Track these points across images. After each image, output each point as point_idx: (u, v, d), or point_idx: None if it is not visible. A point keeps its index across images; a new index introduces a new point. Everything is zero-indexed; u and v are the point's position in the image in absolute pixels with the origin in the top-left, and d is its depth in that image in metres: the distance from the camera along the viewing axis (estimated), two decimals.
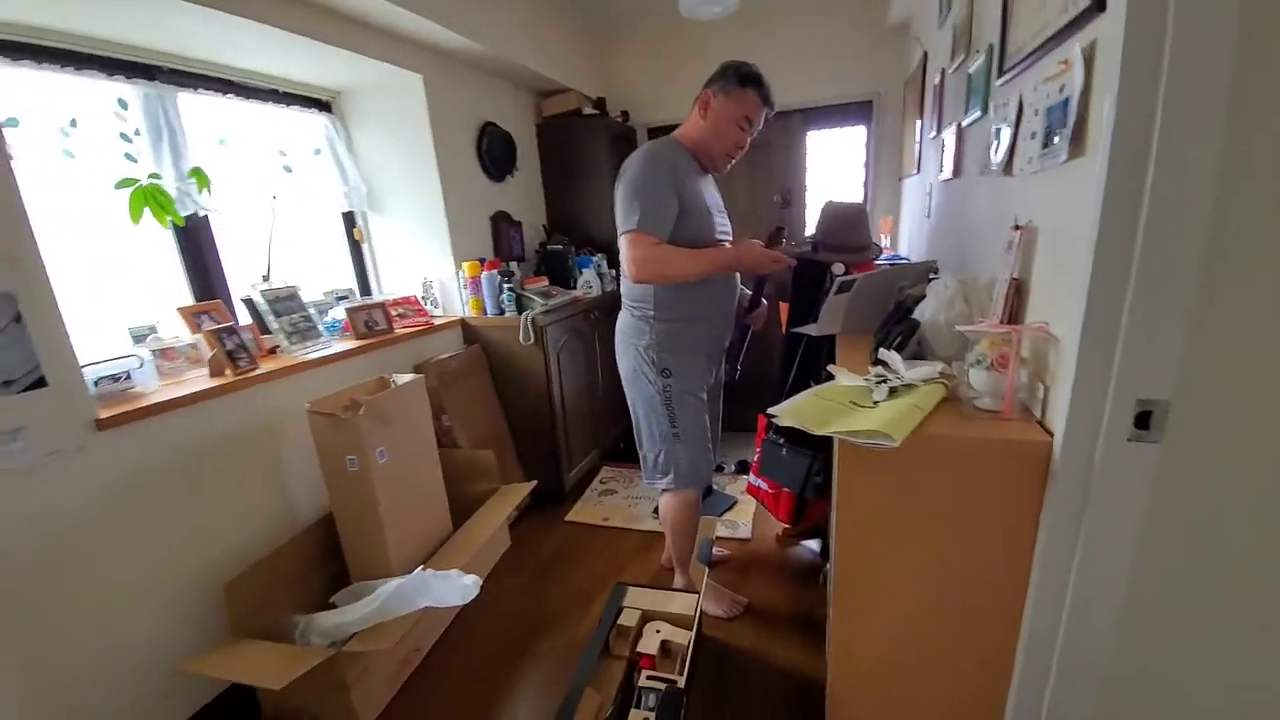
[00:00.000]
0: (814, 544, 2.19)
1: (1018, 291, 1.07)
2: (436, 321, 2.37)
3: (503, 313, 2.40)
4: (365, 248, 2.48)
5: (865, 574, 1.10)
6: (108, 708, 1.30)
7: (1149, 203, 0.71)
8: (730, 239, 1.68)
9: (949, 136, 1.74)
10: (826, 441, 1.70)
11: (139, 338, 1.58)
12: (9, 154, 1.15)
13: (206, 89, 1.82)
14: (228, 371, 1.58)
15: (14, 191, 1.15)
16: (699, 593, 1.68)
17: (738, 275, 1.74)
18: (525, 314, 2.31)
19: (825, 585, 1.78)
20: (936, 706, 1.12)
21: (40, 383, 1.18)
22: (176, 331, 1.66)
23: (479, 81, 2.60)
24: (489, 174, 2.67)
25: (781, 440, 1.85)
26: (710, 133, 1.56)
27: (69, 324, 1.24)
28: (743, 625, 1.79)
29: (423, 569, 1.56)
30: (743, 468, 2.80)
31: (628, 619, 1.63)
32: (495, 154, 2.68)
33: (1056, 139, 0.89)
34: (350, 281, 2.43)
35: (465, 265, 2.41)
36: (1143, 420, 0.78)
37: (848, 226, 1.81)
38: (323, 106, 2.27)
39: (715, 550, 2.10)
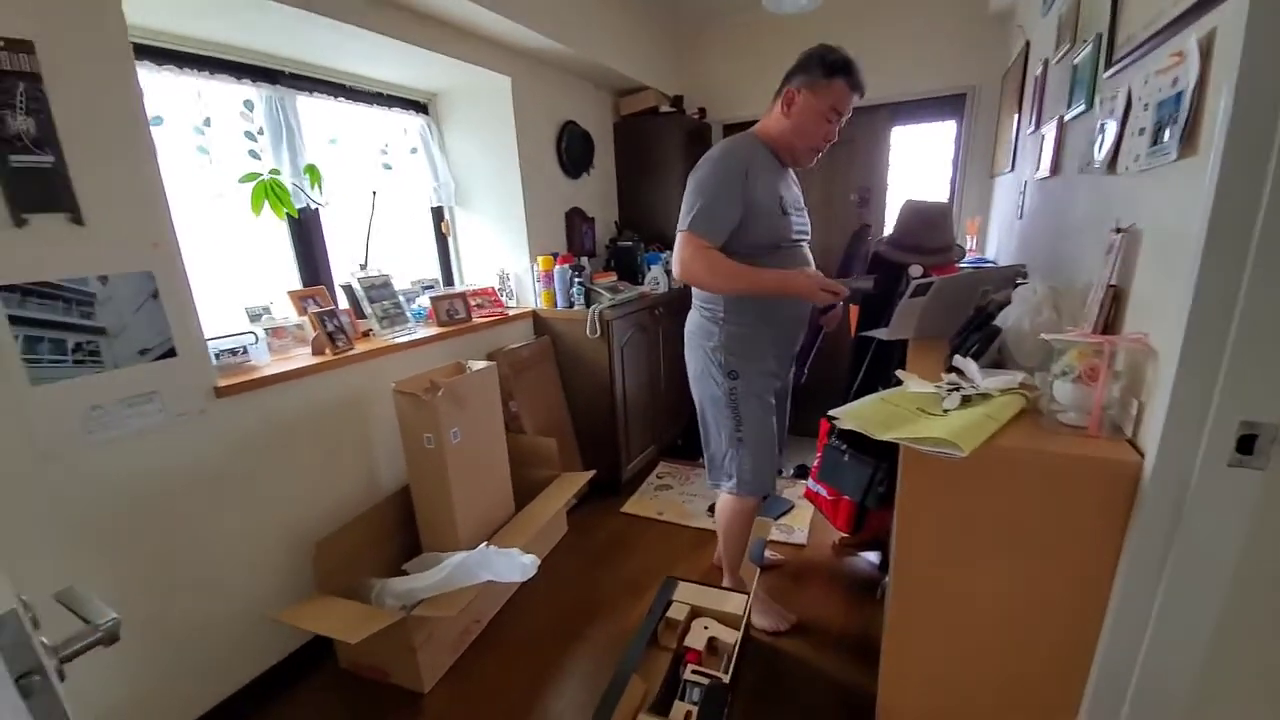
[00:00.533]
0: (873, 556, 2.11)
1: (1115, 300, 0.99)
2: (510, 312, 2.48)
3: (572, 305, 2.48)
4: (450, 240, 2.63)
5: (925, 590, 1.06)
6: (207, 645, 1.47)
7: (1266, 207, 0.64)
8: (808, 238, 1.64)
9: (1049, 131, 1.62)
10: (892, 450, 1.64)
11: (254, 317, 1.78)
12: (155, 149, 1.33)
13: (321, 92, 2.01)
14: (327, 351, 1.74)
15: (158, 183, 1.32)
16: (749, 594, 1.67)
17: (810, 265, 1.67)
18: (593, 308, 2.38)
19: (882, 600, 1.72)
20: None
21: (171, 353, 1.35)
22: (286, 312, 1.85)
23: (562, 82, 2.69)
24: (566, 171, 2.76)
25: (844, 446, 1.80)
26: (794, 129, 1.50)
27: (197, 302, 1.41)
28: (793, 633, 1.76)
29: (486, 545, 1.66)
30: (802, 472, 2.73)
31: (677, 612, 1.65)
32: (573, 152, 2.77)
33: (1166, 135, 0.82)
34: (435, 272, 2.60)
35: (539, 259, 2.51)
36: (1246, 444, 0.70)
37: (928, 226, 1.73)
38: (420, 108, 2.43)
39: (767, 554, 2.07)
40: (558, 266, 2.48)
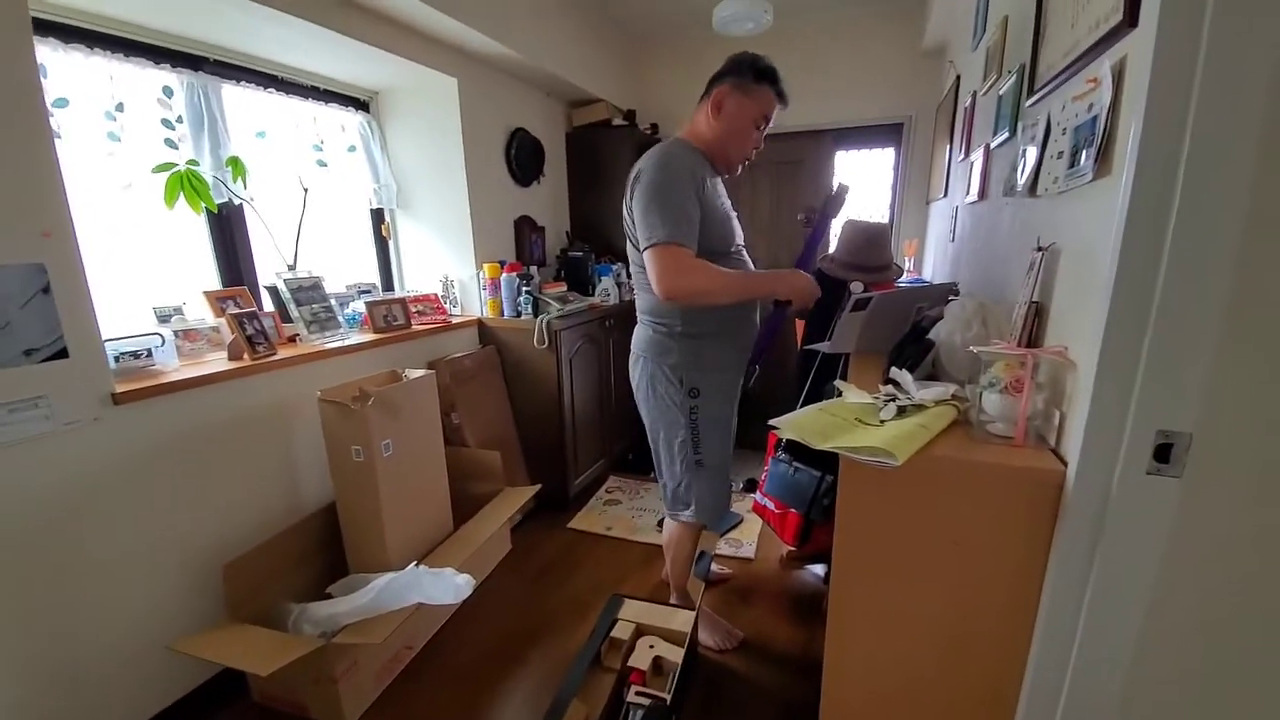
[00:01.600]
0: (819, 569, 2.13)
1: (1037, 314, 1.03)
2: (454, 320, 2.39)
3: (519, 315, 2.42)
4: (391, 244, 2.53)
5: (862, 598, 1.06)
6: (103, 678, 1.32)
7: (1175, 224, 0.67)
8: (744, 243, 1.58)
9: (977, 159, 1.71)
10: (836, 461, 1.66)
11: (164, 318, 1.63)
12: (55, 132, 1.20)
13: (250, 82, 1.89)
14: (246, 356, 1.61)
15: (54, 168, 1.19)
16: (695, 609, 1.64)
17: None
18: (541, 318, 2.32)
19: (825, 612, 1.72)
20: None
21: (62, 354, 1.21)
22: (202, 314, 1.71)
23: (512, 88, 2.65)
24: (516, 178, 2.71)
25: (790, 459, 1.81)
26: (725, 133, 1.43)
27: (96, 300, 1.28)
28: (740, 649, 1.74)
29: (416, 565, 1.56)
30: (750, 485, 2.74)
31: (621, 631, 1.60)
32: (523, 159, 2.72)
33: (1083, 157, 0.86)
34: (375, 276, 2.48)
35: (486, 266, 2.43)
36: (1163, 453, 0.73)
37: (869, 245, 1.78)
38: (360, 105, 2.34)
39: (715, 568, 2.05)
40: (505, 275, 2.42)
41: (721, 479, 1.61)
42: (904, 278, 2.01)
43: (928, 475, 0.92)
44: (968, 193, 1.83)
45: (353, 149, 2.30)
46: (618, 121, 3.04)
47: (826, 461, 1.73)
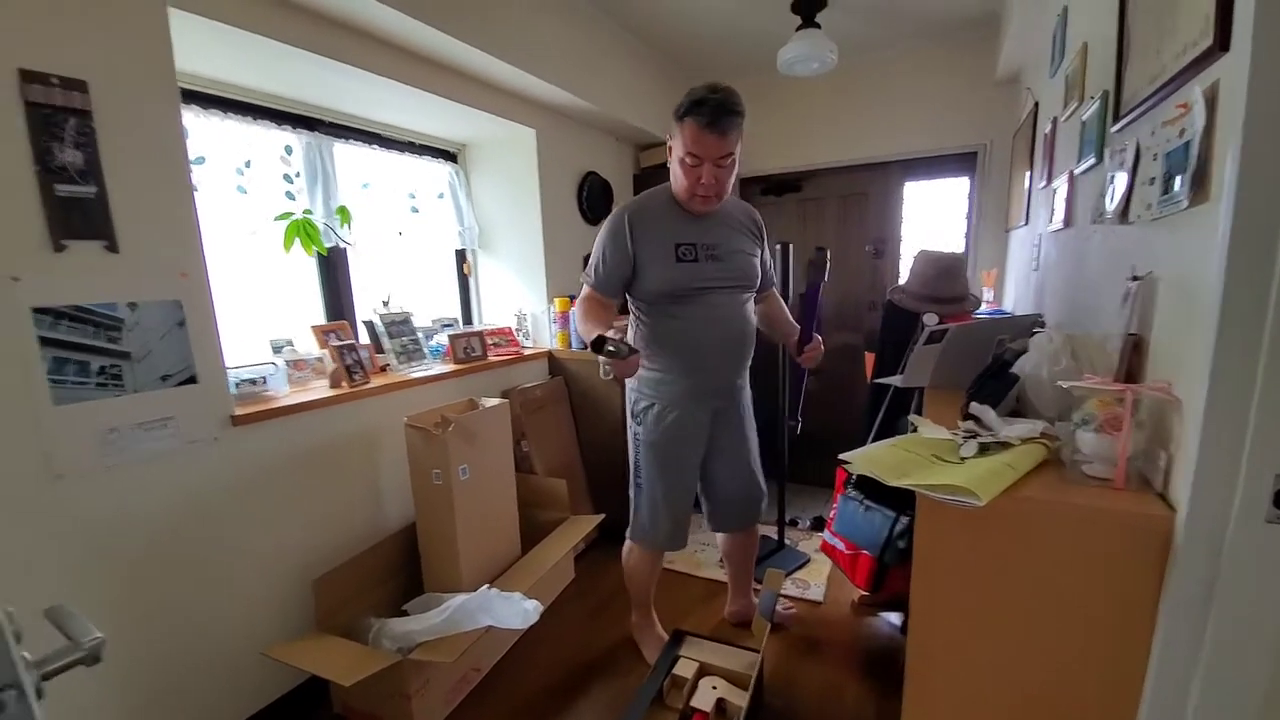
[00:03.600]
0: (895, 618, 2.01)
1: (1135, 348, 0.97)
2: (526, 352, 2.51)
3: (586, 348, 2.49)
4: (472, 281, 2.70)
5: (943, 651, 0.99)
6: (204, 680, 1.44)
7: None
8: (728, 284, 1.53)
9: (1060, 186, 1.64)
10: (912, 500, 1.59)
11: (277, 348, 1.82)
12: (194, 186, 1.41)
13: (357, 140, 2.13)
14: (344, 384, 1.77)
15: (194, 217, 1.39)
16: (760, 651, 1.59)
17: (742, 316, 1.58)
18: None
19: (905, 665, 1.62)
20: None
21: (192, 380, 1.38)
22: (309, 346, 1.89)
23: (584, 135, 2.81)
24: (586, 218, 2.85)
25: (861, 496, 1.75)
26: (672, 175, 1.51)
27: (223, 333, 1.45)
28: (811, 699, 1.66)
29: (488, 588, 1.61)
30: (818, 524, 2.64)
31: (684, 669, 1.57)
32: (593, 200, 2.86)
33: (1177, 184, 0.82)
34: (456, 311, 2.65)
35: (557, 300, 2.55)
36: None
37: (943, 275, 1.73)
38: (449, 157, 2.55)
39: (782, 606, 1.98)
40: (574, 309, 2.51)
41: (657, 507, 1.64)
42: (982, 309, 1.92)
43: (1016, 518, 0.87)
44: (1051, 220, 1.75)
45: (441, 196, 2.51)
46: None
47: (901, 500, 1.65)
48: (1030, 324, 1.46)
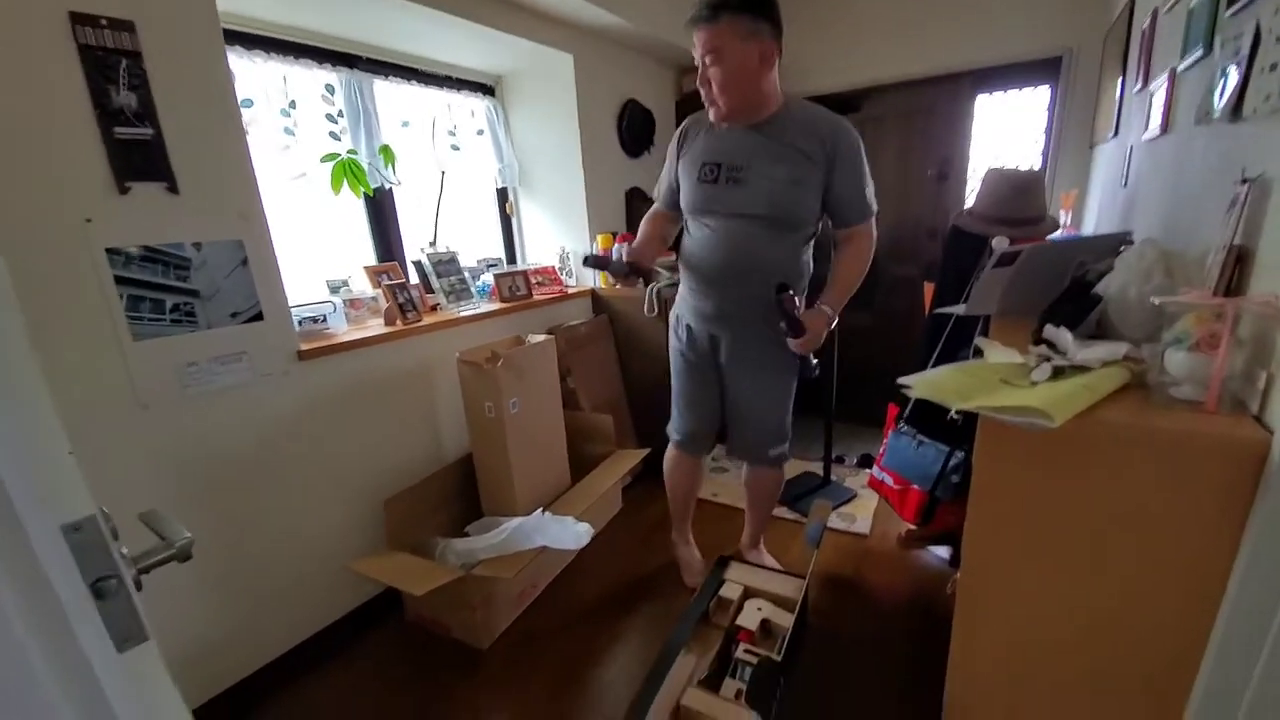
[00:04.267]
0: (943, 551, 2.00)
1: (1239, 260, 0.86)
2: (570, 290, 2.51)
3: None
4: (514, 220, 2.69)
5: (1000, 579, 0.97)
6: (284, 592, 1.58)
7: None
8: (742, 210, 1.45)
9: (1158, 87, 1.45)
10: (968, 435, 1.53)
11: (334, 289, 1.88)
12: (245, 129, 1.42)
13: (395, 76, 2.09)
14: (398, 321, 1.82)
15: (247, 159, 1.41)
16: (805, 577, 1.62)
17: (751, 248, 1.48)
18: (651, 287, 2.36)
19: (953, 596, 1.62)
20: None
21: (259, 317, 1.45)
22: (362, 286, 1.95)
23: (623, 60, 2.67)
24: (627, 150, 2.75)
25: (914, 431, 1.70)
26: None
27: (282, 272, 1.50)
28: (856, 623, 1.70)
29: (542, 511, 1.69)
30: (865, 462, 2.62)
31: (730, 592, 1.62)
32: (634, 131, 2.75)
33: None
34: (499, 251, 2.66)
35: (599, 237, 2.51)
36: None
37: (1017, 194, 1.59)
38: (488, 90, 2.49)
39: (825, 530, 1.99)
40: (616, 245, 2.47)
41: (677, 406, 1.79)
42: (1058, 234, 1.77)
43: (1092, 442, 0.82)
44: (1146, 128, 1.57)
45: (481, 132, 2.46)
46: None
47: (957, 436, 1.60)
48: (1116, 243, 1.33)
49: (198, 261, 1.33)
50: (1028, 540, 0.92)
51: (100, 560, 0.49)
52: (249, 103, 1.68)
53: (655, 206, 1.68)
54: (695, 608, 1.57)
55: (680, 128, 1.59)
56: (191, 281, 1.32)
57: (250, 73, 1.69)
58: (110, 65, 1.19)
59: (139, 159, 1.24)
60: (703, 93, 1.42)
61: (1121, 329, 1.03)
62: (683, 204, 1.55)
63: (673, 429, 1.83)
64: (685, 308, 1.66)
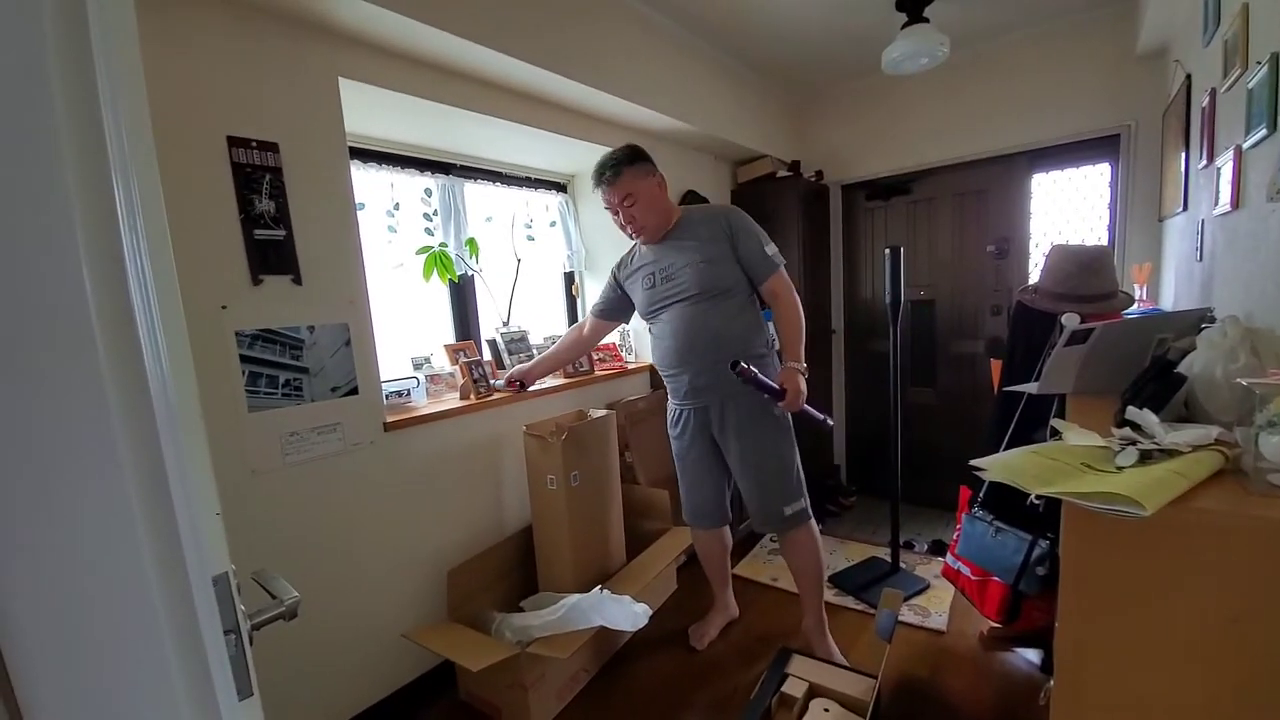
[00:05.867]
0: (1032, 654, 1.81)
1: None
2: (629, 366, 2.60)
3: None
4: (579, 301, 2.86)
5: (1103, 689, 0.88)
6: (348, 656, 1.61)
7: None
8: (678, 298, 1.74)
9: (1224, 164, 1.45)
10: (1052, 522, 1.44)
11: (417, 365, 2.04)
12: (359, 227, 1.64)
13: (482, 179, 2.36)
14: (472, 396, 1.95)
15: (359, 254, 1.62)
16: (876, 676, 1.50)
17: (701, 323, 1.72)
18: None
19: (1046, 707, 1.46)
20: None
21: (354, 391, 1.60)
22: (441, 362, 2.11)
23: (683, 155, 2.90)
24: None
25: (990, 517, 1.61)
26: None
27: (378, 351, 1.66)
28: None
29: (601, 589, 1.68)
30: (937, 549, 2.45)
31: (793, 688, 1.52)
32: None
33: None
34: (564, 328, 2.81)
35: None
36: None
37: (1083, 271, 1.57)
38: (560, 188, 2.75)
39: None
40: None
41: (684, 490, 1.94)
42: (1134, 309, 1.71)
43: (1189, 532, 0.77)
44: (1216, 203, 1.54)
45: (553, 224, 2.69)
46: (781, 173, 3.12)
47: (1038, 522, 1.50)
48: (1198, 319, 1.29)
49: (309, 342, 1.50)
50: (1134, 640, 0.84)
51: (230, 614, 0.55)
52: (362, 206, 1.93)
53: (590, 314, 2.03)
54: (755, 706, 1.48)
55: (618, 262, 1.96)
56: (303, 360, 1.49)
57: (364, 180, 1.96)
58: (256, 179, 1.43)
59: (272, 256, 1.45)
60: (628, 230, 1.78)
61: (1210, 410, 0.98)
62: (639, 312, 1.89)
63: (686, 514, 1.97)
64: (671, 395, 1.88)
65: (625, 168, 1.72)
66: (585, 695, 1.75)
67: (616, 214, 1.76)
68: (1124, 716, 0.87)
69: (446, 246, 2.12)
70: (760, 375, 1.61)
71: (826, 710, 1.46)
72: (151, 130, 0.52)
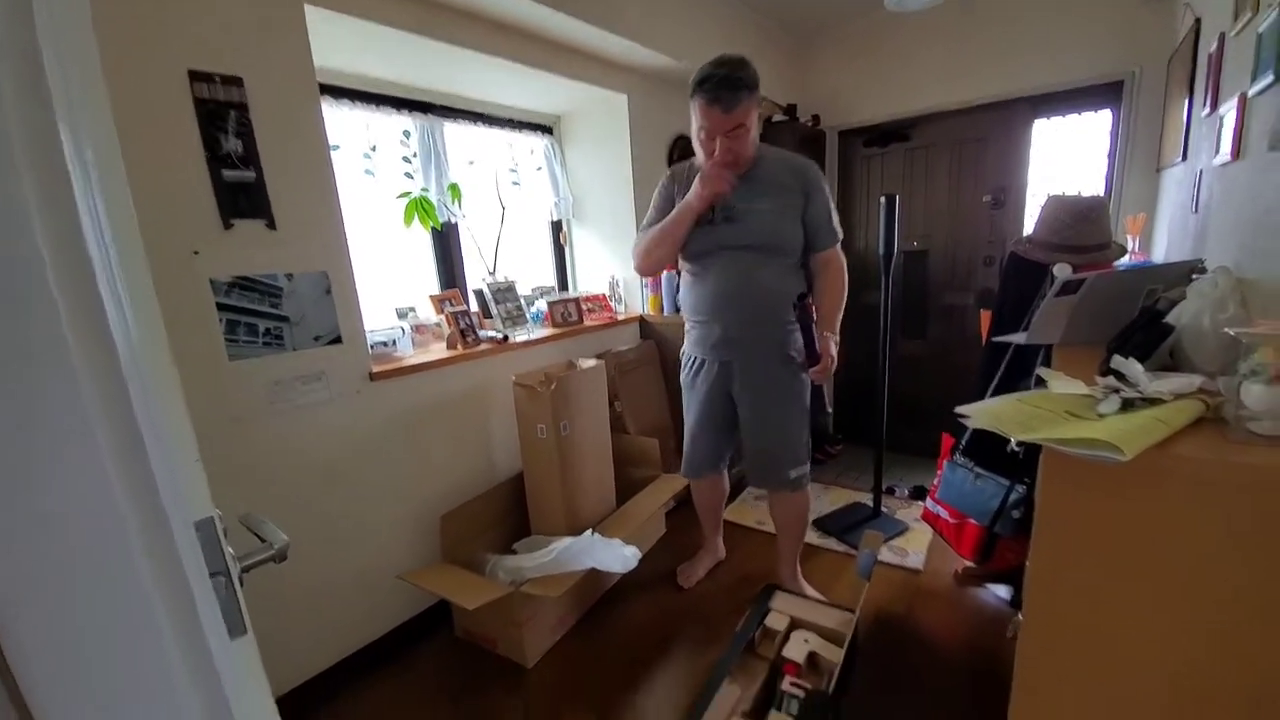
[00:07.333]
0: (1003, 591, 1.90)
1: None
2: (619, 317, 2.58)
3: (678, 311, 2.52)
4: (567, 250, 2.80)
5: (1070, 624, 0.92)
6: (345, 599, 1.65)
7: None
8: (739, 244, 1.60)
9: (1227, 112, 1.41)
10: (1030, 468, 1.48)
11: (401, 315, 2.01)
12: (334, 169, 1.56)
13: (463, 119, 2.25)
14: (459, 346, 1.92)
15: (335, 198, 1.55)
16: (855, 611, 1.57)
17: (752, 278, 1.61)
18: None
19: (1014, 640, 1.54)
20: None
21: (337, 340, 1.57)
22: (427, 312, 2.07)
23: (675, 97, 2.77)
24: None
25: (971, 464, 1.65)
26: (694, 147, 1.63)
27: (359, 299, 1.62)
28: (908, 663, 1.64)
29: (591, 533, 1.72)
30: (918, 494, 2.53)
31: (775, 622, 1.59)
32: None
33: None
34: (552, 278, 2.77)
35: (649, 299, 2.58)
36: None
37: (1079, 221, 1.55)
38: (546, 130, 2.63)
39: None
40: (665, 274, 2.53)
41: (687, 440, 1.91)
42: (1124, 260, 1.71)
43: (1165, 477, 0.79)
44: (1217, 152, 1.52)
45: (540, 169, 2.60)
46: (777, 118, 3.01)
47: (1018, 468, 1.54)
48: (1188, 270, 1.28)
49: (288, 290, 1.46)
50: (1102, 580, 0.88)
51: (217, 557, 0.55)
52: (336, 147, 1.84)
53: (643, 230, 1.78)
54: (740, 637, 1.55)
55: (669, 177, 1.74)
56: (283, 308, 1.45)
57: (337, 120, 1.86)
58: (220, 116, 1.34)
59: (242, 199, 1.39)
60: (712, 151, 1.54)
61: (1195, 361, 0.99)
62: (684, 247, 1.68)
63: (685, 465, 1.94)
64: (693, 343, 1.78)
65: (748, 93, 1.48)
66: (578, 630, 1.83)
67: (712, 139, 1.52)
68: (1092, 653, 0.91)
69: (428, 192, 2.04)
70: (814, 320, 1.58)
71: (806, 640, 1.53)
72: (100, 64, 0.48)
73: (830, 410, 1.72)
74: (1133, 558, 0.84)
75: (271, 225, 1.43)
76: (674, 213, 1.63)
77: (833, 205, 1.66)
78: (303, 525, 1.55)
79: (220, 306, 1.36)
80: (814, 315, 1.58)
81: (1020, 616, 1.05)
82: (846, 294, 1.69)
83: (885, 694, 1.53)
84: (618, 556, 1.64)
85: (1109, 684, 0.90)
